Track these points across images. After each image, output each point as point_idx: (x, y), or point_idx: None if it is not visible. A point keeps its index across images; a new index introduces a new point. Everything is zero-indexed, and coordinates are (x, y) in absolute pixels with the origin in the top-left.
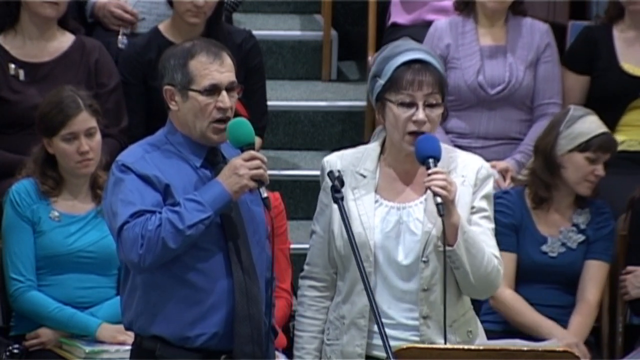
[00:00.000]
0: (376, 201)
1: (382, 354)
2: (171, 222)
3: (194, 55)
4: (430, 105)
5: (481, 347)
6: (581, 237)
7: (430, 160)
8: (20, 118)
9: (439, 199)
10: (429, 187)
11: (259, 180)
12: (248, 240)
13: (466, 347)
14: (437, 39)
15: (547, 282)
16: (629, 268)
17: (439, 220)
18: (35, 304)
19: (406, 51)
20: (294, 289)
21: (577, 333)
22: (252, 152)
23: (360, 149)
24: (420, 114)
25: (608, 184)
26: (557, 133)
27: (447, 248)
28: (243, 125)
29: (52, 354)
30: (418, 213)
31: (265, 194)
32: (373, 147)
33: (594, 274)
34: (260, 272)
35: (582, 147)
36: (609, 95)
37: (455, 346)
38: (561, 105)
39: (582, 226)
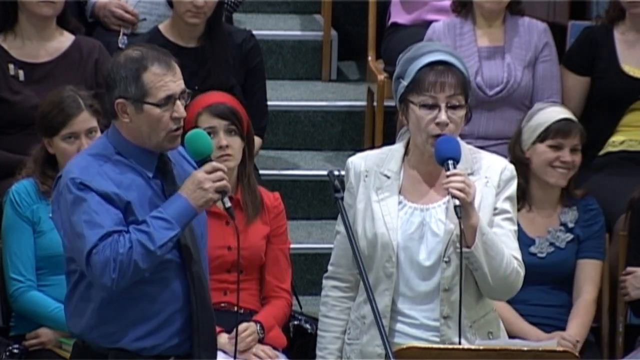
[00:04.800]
0: (400, 202)
1: None
2: (142, 243)
3: (147, 67)
4: (453, 107)
5: (481, 347)
6: (570, 236)
7: (449, 162)
8: (20, 118)
9: (456, 201)
10: (446, 189)
11: (222, 191)
12: (198, 246)
13: (466, 346)
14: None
15: (540, 282)
16: (629, 269)
17: None
18: (35, 304)
19: (429, 52)
20: (294, 289)
21: (576, 333)
22: (214, 164)
23: (385, 149)
24: (443, 116)
25: (608, 184)
26: (520, 130)
27: (465, 250)
28: (201, 137)
29: (52, 354)
30: (441, 214)
31: (228, 204)
32: (397, 148)
33: (589, 273)
34: (206, 274)
35: (542, 137)
36: (609, 96)
37: (455, 346)
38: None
39: (570, 225)
